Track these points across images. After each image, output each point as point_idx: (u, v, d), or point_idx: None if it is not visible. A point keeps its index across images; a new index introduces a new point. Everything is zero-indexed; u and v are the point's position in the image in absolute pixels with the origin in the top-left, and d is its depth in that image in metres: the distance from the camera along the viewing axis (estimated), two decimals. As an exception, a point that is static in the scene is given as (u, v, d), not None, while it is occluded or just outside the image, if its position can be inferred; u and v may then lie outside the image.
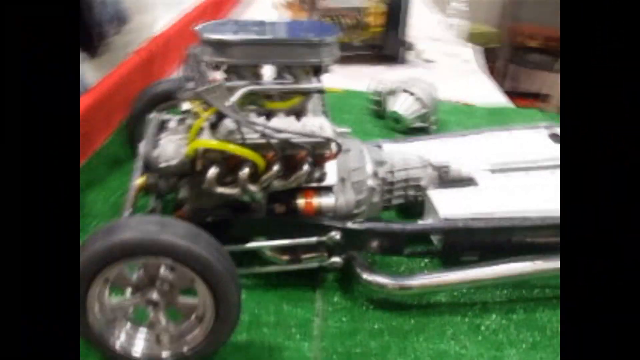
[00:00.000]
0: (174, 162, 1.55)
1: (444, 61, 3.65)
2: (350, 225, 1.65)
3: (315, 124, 1.56)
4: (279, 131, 1.47)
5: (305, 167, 1.55)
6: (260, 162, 1.49)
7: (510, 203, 1.77)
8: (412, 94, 2.62)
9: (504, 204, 1.76)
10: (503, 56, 6.29)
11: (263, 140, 1.49)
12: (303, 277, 1.75)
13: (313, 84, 1.57)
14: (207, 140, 1.48)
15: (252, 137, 1.49)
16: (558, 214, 1.43)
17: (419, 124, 2.64)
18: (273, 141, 1.48)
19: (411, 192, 1.86)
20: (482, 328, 1.65)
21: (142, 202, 1.71)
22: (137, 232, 1.32)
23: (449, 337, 1.61)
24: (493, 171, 1.94)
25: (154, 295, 1.40)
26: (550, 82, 6.00)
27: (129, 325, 1.45)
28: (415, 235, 1.72)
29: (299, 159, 1.55)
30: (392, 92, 2.67)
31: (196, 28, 1.57)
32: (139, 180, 1.68)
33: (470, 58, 3.77)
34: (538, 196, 1.81)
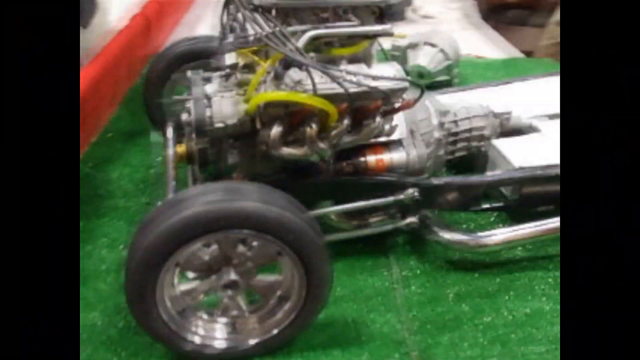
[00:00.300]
0: (231, 121, 1.35)
1: (445, 16, 3.50)
2: (428, 181, 1.49)
3: (389, 70, 1.39)
4: (358, 78, 1.29)
5: (378, 119, 1.39)
6: (334, 114, 1.31)
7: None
8: (435, 46, 2.46)
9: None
10: (480, 12, 6.18)
11: (337, 90, 1.31)
12: (370, 244, 1.60)
13: (380, 26, 1.39)
14: (275, 92, 1.29)
15: (324, 86, 1.31)
16: None
17: (442, 77, 2.50)
18: (351, 90, 1.30)
19: (474, 143, 1.72)
20: (569, 282, 1.54)
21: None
22: (214, 203, 1.14)
23: (539, 293, 1.49)
24: (550, 117, 1.82)
25: (232, 276, 1.23)
26: (529, 38, 5.92)
27: (203, 314, 1.28)
28: (490, 187, 1.58)
29: (372, 110, 1.38)
30: (413, 46, 2.51)
31: None
32: (180, 148, 1.49)
33: (470, 12, 3.64)
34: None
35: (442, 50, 2.45)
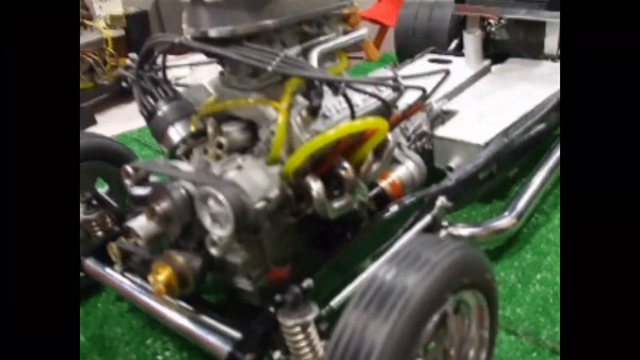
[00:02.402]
0: (273, 194, 0.99)
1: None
2: (446, 184, 1.34)
3: (384, 74, 1.21)
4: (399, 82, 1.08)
5: (395, 135, 1.19)
6: (386, 132, 1.07)
7: (510, 110, 1.70)
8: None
9: (506, 114, 1.68)
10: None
11: (375, 104, 1.08)
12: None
13: (359, 32, 1.19)
14: (325, 135, 0.98)
15: (362, 105, 1.07)
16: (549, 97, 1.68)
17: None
18: (389, 98, 1.08)
19: (419, 143, 1.62)
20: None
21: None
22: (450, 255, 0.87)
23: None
24: (448, 99, 1.83)
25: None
26: None
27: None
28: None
29: (393, 123, 1.17)
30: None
31: None
32: (159, 276, 1.04)
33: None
34: (516, 96, 1.80)
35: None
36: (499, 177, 1.56)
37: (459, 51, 2.24)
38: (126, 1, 3.05)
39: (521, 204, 1.47)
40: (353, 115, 1.03)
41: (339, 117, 1.05)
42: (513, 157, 1.58)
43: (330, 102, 1.06)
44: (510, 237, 1.48)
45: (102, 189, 1.40)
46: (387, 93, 1.10)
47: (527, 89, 1.85)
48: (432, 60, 2.17)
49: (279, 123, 0.99)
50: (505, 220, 1.43)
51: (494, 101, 1.81)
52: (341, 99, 1.03)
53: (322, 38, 1.11)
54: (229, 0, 0.99)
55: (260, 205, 0.97)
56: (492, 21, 2.30)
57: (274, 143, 0.99)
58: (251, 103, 1.03)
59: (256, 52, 0.99)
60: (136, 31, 2.91)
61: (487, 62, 2.07)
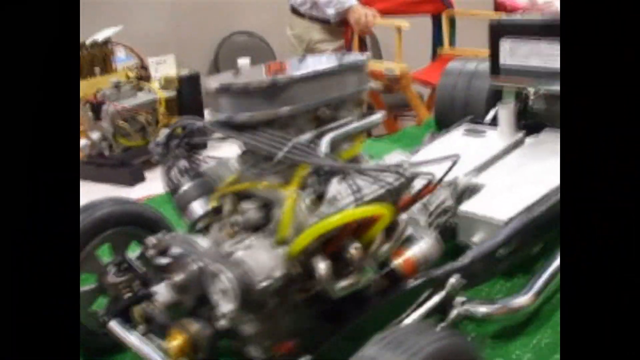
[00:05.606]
0: (278, 272, 1.04)
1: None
2: (461, 262, 1.36)
3: (395, 160, 1.25)
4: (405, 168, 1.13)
5: (405, 217, 1.23)
6: (390, 217, 1.11)
7: (537, 185, 1.70)
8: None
9: (534, 188, 1.68)
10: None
11: (380, 191, 1.12)
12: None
13: (376, 115, 1.25)
14: (328, 221, 1.04)
15: (367, 191, 1.12)
16: None
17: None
18: (395, 183, 1.13)
19: (442, 219, 1.64)
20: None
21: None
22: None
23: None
24: (477, 172, 1.85)
25: None
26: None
27: None
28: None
29: (405, 204, 1.21)
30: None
31: (210, 84, 1.12)
32: (174, 341, 1.09)
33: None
34: (546, 170, 1.79)
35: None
36: (521, 254, 1.56)
37: (495, 121, 2.26)
38: (181, 63, 3.25)
39: (540, 281, 1.45)
40: (358, 202, 1.09)
41: (346, 201, 1.10)
42: (537, 233, 1.58)
43: (341, 186, 1.12)
44: (528, 315, 1.47)
45: (134, 253, 1.48)
46: (394, 178, 1.15)
47: (558, 162, 1.84)
48: (468, 131, 2.20)
49: (285, 207, 1.05)
50: (523, 299, 1.41)
51: (523, 175, 1.81)
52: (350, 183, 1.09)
53: (336, 123, 1.18)
54: (248, 89, 1.08)
55: (264, 284, 1.02)
56: (530, 91, 2.32)
57: (280, 225, 1.06)
58: (264, 186, 1.10)
59: (268, 138, 1.06)
60: (187, 92, 3.07)
61: (520, 134, 2.08)
